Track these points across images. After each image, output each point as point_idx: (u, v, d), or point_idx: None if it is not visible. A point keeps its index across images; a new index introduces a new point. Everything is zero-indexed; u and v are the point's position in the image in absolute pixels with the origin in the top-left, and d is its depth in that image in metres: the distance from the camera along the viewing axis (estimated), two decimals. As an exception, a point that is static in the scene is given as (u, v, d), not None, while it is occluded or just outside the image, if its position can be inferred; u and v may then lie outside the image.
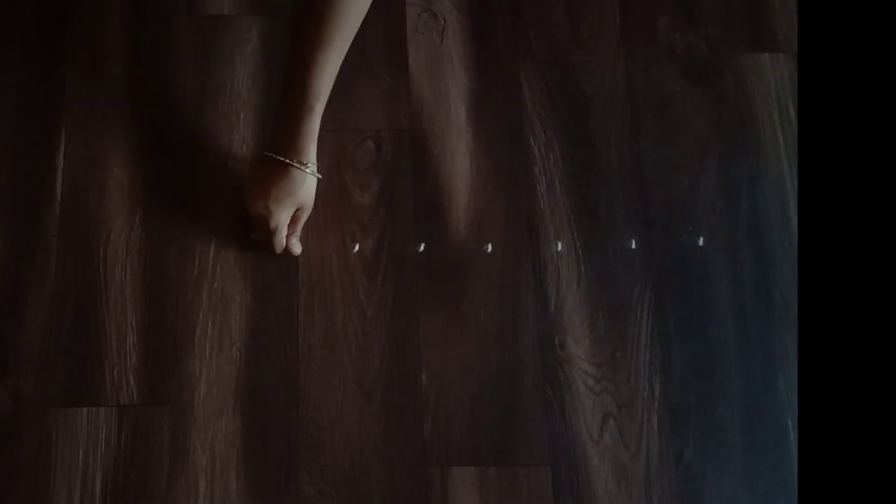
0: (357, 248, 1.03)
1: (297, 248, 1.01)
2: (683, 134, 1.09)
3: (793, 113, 1.10)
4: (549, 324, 1.01)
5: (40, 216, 1.02)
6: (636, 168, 1.07)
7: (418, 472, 0.95)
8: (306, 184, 0.97)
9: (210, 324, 0.99)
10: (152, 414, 0.96)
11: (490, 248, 1.03)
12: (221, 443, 0.95)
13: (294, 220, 1.00)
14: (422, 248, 1.03)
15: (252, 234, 1.02)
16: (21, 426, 0.95)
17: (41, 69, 1.08)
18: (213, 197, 1.04)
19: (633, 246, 1.04)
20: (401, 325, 1.00)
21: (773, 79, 1.12)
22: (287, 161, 0.95)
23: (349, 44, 0.89)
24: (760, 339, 1.01)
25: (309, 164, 0.96)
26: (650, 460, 0.97)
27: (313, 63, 0.88)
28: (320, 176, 0.99)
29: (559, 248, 1.04)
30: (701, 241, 1.04)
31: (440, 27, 1.12)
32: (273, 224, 0.98)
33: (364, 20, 0.86)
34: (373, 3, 0.85)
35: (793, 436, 0.98)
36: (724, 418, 0.98)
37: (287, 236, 1.00)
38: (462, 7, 1.13)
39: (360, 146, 1.07)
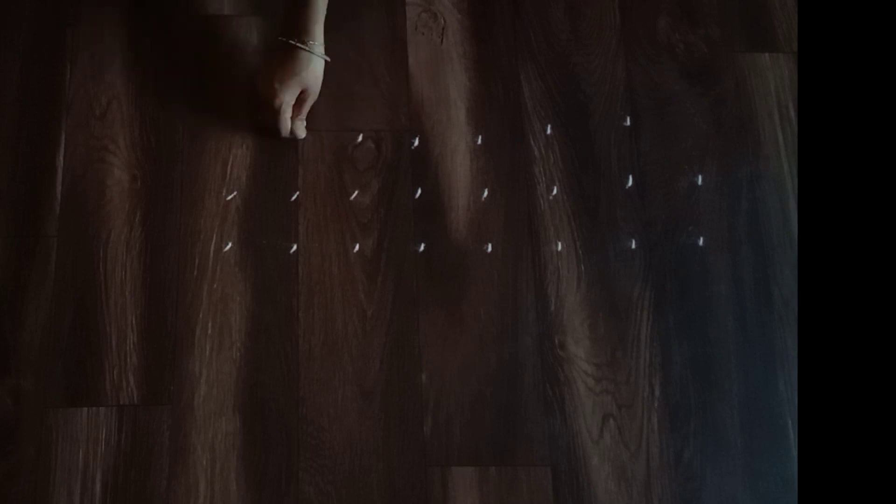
0: (357, 248, 1.03)
1: (300, 132, 1.05)
2: (683, 134, 1.09)
3: (793, 113, 1.10)
4: (549, 324, 1.01)
5: (40, 216, 1.02)
6: (636, 168, 1.07)
7: (418, 472, 0.95)
8: (312, 65, 1.01)
9: (210, 324, 0.99)
10: (152, 414, 0.96)
11: (490, 248, 1.03)
12: (221, 443, 0.95)
13: (299, 102, 1.04)
14: (422, 248, 1.03)
15: (259, 117, 1.05)
16: (21, 426, 0.95)
17: (41, 69, 1.08)
18: (212, 197, 1.04)
19: (633, 246, 1.04)
20: (401, 325, 1.00)
21: (773, 79, 1.12)
22: (292, 42, 1.00)
23: None
24: (760, 339, 1.01)
25: (315, 45, 1.00)
26: (650, 460, 0.97)
27: None
28: (328, 59, 1.02)
29: (559, 248, 1.04)
30: (701, 241, 1.04)
31: (440, 27, 1.12)
32: (277, 103, 1.02)
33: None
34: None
35: (793, 436, 0.98)
36: (724, 418, 0.98)
37: (292, 118, 1.04)
38: (462, 7, 1.13)
39: (360, 146, 1.07)
